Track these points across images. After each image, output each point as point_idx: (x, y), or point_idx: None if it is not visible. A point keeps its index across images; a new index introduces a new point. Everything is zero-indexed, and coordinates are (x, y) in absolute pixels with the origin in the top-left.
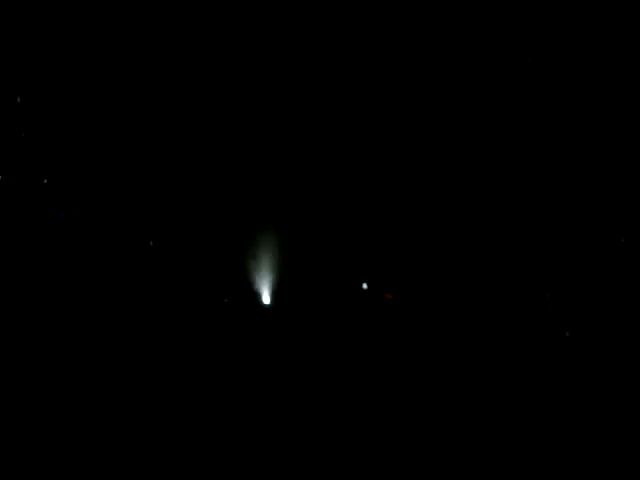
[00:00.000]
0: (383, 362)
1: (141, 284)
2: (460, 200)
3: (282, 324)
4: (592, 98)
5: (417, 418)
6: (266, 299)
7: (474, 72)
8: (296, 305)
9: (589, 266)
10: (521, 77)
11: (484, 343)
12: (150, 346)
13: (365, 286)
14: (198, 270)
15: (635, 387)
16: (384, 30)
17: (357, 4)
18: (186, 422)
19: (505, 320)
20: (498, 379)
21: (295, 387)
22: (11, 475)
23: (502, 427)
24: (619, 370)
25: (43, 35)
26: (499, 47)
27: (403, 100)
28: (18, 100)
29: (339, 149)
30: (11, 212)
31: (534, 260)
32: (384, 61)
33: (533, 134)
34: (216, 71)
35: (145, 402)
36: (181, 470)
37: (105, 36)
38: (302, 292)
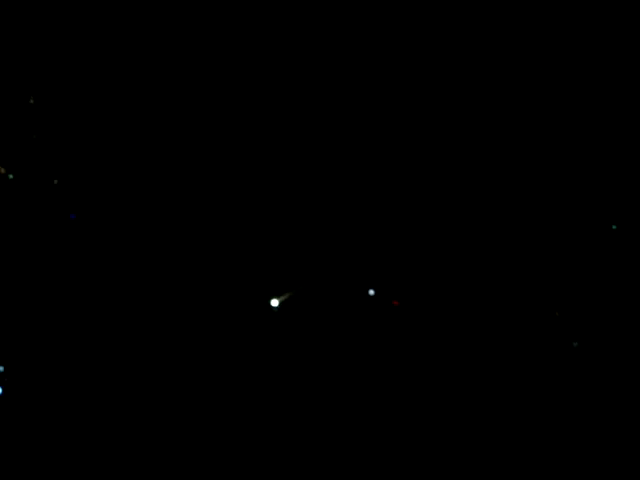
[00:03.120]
0: (386, 370)
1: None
2: (467, 206)
3: (287, 328)
4: (593, 99)
5: (419, 425)
6: (272, 302)
7: (475, 73)
8: (301, 310)
9: (595, 273)
10: (522, 78)
11: (488, 349)
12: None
13: (372, 292)
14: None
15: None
16: (385, 30)
17: (357, 4)
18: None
19: (511, 327)
20: (502, 386)
21: (296, 388)
22: (11, 475)
23: (505, 434)
24: (622, 377)
25: (53, 35)
26: (499, 47)
27: (405, 102)
28: (32, 101)
29: (337, 151)
30: (21, 211)
31: (542, 267)
32: (384, 61)
33: (539, 140)
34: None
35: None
36: (184, 468)
37: (113, 38)
38: (306, 296)
